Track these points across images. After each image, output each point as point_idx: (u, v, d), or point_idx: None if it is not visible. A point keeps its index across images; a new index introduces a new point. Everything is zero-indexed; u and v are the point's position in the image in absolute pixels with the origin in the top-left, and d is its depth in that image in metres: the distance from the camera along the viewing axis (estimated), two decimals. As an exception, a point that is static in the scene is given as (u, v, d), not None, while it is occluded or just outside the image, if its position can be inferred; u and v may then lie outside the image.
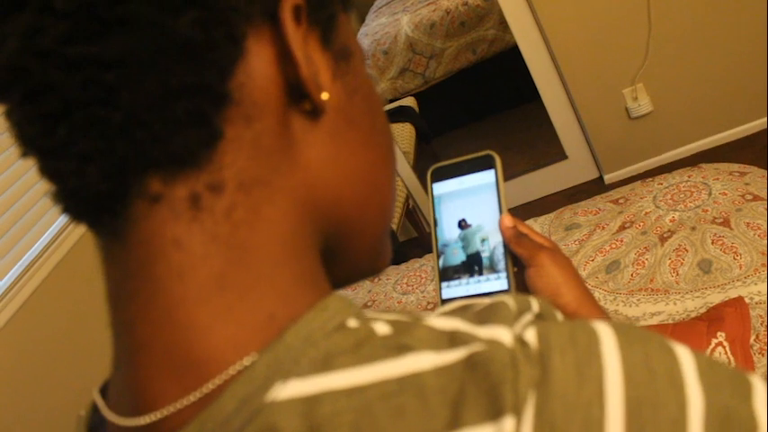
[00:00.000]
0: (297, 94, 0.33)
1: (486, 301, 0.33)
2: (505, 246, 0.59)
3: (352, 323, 0.30)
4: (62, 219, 1.85)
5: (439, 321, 0.30)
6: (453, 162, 0.63)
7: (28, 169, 1.76)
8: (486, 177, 0.61)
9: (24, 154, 0.31)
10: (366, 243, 0.41)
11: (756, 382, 0.30)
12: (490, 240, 0.60)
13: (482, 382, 0.27)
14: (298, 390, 0.27)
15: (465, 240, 0.61)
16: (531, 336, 0.29)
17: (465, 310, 0.33)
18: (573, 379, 0.27)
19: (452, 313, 0.33)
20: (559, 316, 0.35)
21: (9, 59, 0.28)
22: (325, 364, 0.28)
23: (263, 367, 0.28)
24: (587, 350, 0.28)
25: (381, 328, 0.30)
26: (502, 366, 0.27)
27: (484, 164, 0.61)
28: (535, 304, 0.33)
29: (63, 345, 1.71)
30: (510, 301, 0.32)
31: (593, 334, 0.29)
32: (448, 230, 0.62)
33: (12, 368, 1.56)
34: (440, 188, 0.63)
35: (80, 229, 1.85)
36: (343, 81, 0.35)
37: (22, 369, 1.59)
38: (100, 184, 0.30)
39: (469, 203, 0.61)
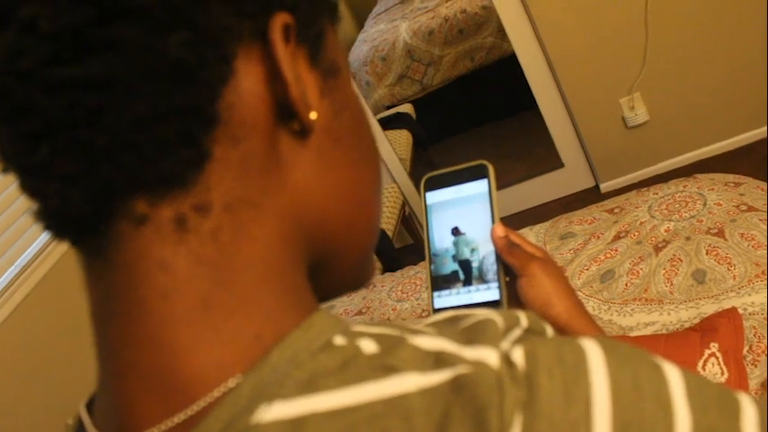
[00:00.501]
0: (285, 113, 0.32)
1: (475, 314, 0.33)
2: (497, 255, 0.59)
3: (339, 341, 0.30)
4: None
5: (425, 341, 0.30)
6: (447, 171, 0.63)
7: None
8: (480, 187, 0.61)
9: (4, 170, 0.31)
10: (352, 259, 0.41)
11: (745, 401, 0.30)
12: (480, 250, 0.60)
13: (468, 405, 0.27)
14: (282, 412, 0.27)
15: (456, 250, 0.61)
16: (518, 355, 0.29)
17: (453, 323, 0.33)
18: (560, 399, 0.27)
19: (440, 325, 0.33)
20: (549, 330, 0.35)
21: None
22: (311, 385, 0.28)
23: (247, 389, 0.28)
24: (575, 369, 0.28)
25: (368, 347, 0.30)
26: (488, 389, 0.27)
27: (477, 173, 0.61)
28: (524, 319, 0.33)
29: (57, 347, 1.70)
30: (497, 317, 0.32)
31: (581, 353, 0.29)
32: (440, 240, 0.62)
33: (6, 370, 1.56)
34: (433, 197, 0.63)
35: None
36: (331, 99, 0.35)
37: (17, 371, 1.58)
38: (83, 206, 0.29)
39: (462, 213, 0.61)
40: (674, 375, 0.29)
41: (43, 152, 0.28)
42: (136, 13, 0.27)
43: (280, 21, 0.31)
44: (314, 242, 0.36)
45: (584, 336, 0.55)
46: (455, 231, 0.61)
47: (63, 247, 1.81)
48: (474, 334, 0.31)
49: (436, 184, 0.63)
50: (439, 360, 0.29)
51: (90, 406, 0.36)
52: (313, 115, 0.33)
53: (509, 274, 0.59)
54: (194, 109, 0.29)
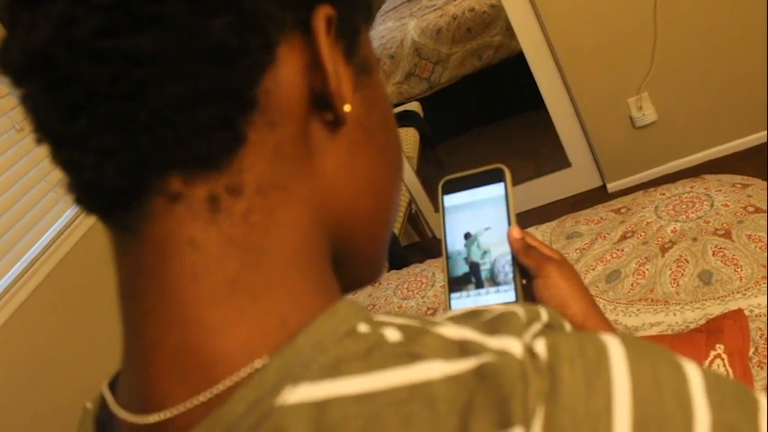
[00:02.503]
0: (320, 103, 0.33)
1: (497, 309, 0.33)
2: (514, 257, 0.59)
3: (363, 328, 0.30)
4: (64, 218, 1.86)
5: (449, 330, 0.30)
6: (464, 175, 0.64)
7: (31, 168, 1.76)
8: (497, 190, 0.62)
9: (39, 141, 0.31)
10: (369, 253, 0.41)
11: (762, 399, 0.30)
12: (494, 252, 0.60)
13: (492, 394, 0.27)
14: (308, 394, 0.27)
15: (472, 252, 0.61)
16: (540, 347, 0.29)
17: (475, 316, 0.33)
18: (582, 391, 0.27)
19: (461, 319, 0.33)
20: (568, 326, 0.35)
21: (38, 46, 0.28)
22: (336, 369, 0.28)
23: (273, 371, 0.28)
24: (596, 362, 0.28)
25: (392, 335, 0.30)
26: (512, 379, 0.27)
27: (494, 177, 0.62)
28: (544, 314, 0.33)
29: (64, 342, 1.71)
30: (519, 310, 0.32)
31: (602, 346, 0.29)
32: (456, 242, 0.63)
33: (13, 365, 1.57)
34: (451, 200, 0.64)
35: (82, 228, 1.86)
36: (363, 94, 0.36)
37: (23, 366, 1.59)
38: (116, 180, 0.30)
39: (479, 216, 0.62)
40: (693, 372, 0.30)
41: (82, 123, 0.29)
42: None
43: (323, 13, 0.32)
44: (337, 232, 0.36)
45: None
46: (467, 236, 0.62)
47: (70, 244, 1.81)
48: (497, 324, 0.31)
49: (454, 188, 0.64)
50: (463, 348, 0.29)
51: (112, 385, 0.36)
52: (347, 108, 0.34)
53: (525, 276, 0.60)
54: (234, 92, 0.29)
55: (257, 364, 0.29)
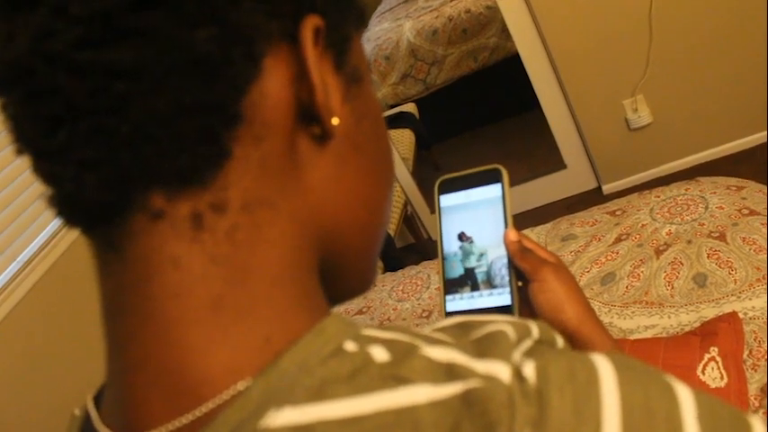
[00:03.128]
0: (307, 116, 0.32)
1: (487, 322, 0.33)
2: (510, 260, 0.59)
3: (350, 346, 0.30)
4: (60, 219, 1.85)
5: (436, 351, 0.29)
6: (460, 175, 0.63)
7: (26, 168, 1.76)
8: (493, 191, 0.61)
9: (19, 152, 0.31)
10: (359, 265, 0.41)
11: (756, 424, 0.29)
12: (490, 254, 0.60)
13: (478, 420, 0.26)
14: (292, 418, 0.27)
15: (468, 254, 0.61)
16: (529, 370, 0.28)
17: (464, 331, 0.33)
18: (570, 418, 0.27)
19: (449, 331, 0.33)
20: (560, 340, 0.35)
21: (16, 58, 0.27)
22: (321, 392, 0.27)
23: (257, 393, 0.28)
24: (586, 387, 0.28)
25: (379, 354, 0.29)
26: (498, 405, 0.27)
27: (491, 177, 0.61)
28: (535, 329, 0.33)
29: (59, 343, 1.71)
30: (509, 328, 0.32)
31: (593, 370, 0.29)
32: (452, 243, 0.62)
33: (8, 366, 1.56)
34: (447, 200, 0.63)
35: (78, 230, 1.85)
36: (353, 105, 0.35)
37: (18, 367, 1.59)
38: (98, 194, 0.29)
39: (475, 216, 0.61)
40: (686, 397, 0.29)
41: (61, 137, 0.28)
42: (168, 3, 0.27)
43: (311, 23, 0.31)
44: (325, 246, 0.36)
45: (595, 346, 0.55)
46: (461, 237, 0.61)
47: (66, 243, 1.81)
48: (486, 346, 0.30)
49: (450, 188, 0.63)
50: (450, 372, 0.28)
51: (97, 399, 0.36)
52: (335, 121, 0.33)
53: (521, 278, 0.59)
54: (218, 106, 0.29)
55: (240, 386, 0.28)
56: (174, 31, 0.27)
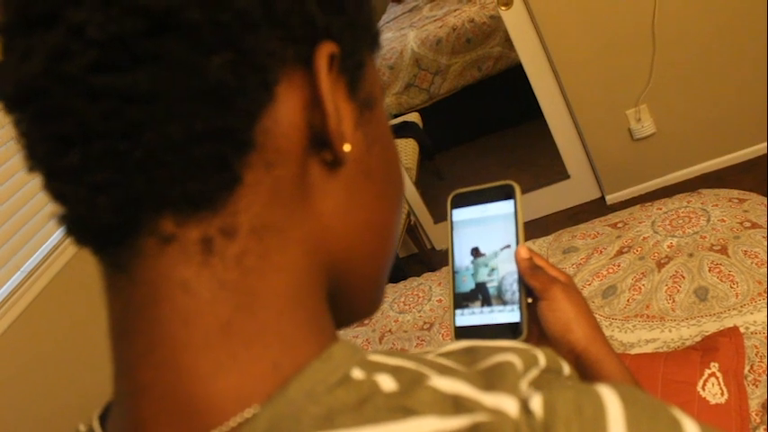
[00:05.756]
0: (319, 142, 0.32)
1: (494, 349, 0.33)
2: (520, 277, 0.59)
3: (357, 374, 0.29)
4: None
5: (443, 382, 0.29)
6: (473, 189, 0.64)
7: (30, 179, 1.77)
8: (506, 207, 0.61)
9: (30, 169, 0.30)
10: (368, 290, 0.40)
11: None
12: (501, 270, 0.60)
13: None
14: None
15: (479, 269, 0.61)
16: (536, 404, 0.28)
17: (470, 356, 0.33)
18: None
19: (456, 356, 0.33)
20: (566, 367, 0.34)
21: (31, 77, 0.28)
22: (328, 421, 0.27)
23: (264, 422, 0.28)
24: (593, 423, 0.28)
25: (386, 383, 0.29)
26: None
27: (504, 193, 0.62)
28: (542, 358, 0.33)
29: (62, 353, 1.71)
30: (516, 359, 0.31)
31: (600, 405, 0.29)
32: (463, 257, 0.62)
33: (10, 375, 1.57)
34: (459, 215, 0.64)
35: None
36: (365, 131, 0.35)
37: (20, 377, 1.59)
38: (109, 216, 0.29)
39: (487, 232, 0.62)
40: (692, 431, 0.29)
41: (74, 157, 0.28)
42: (184, 29, 0.27)
43: (326, 50, 0.31)
44: (334, 271, 0.35)
45: (602, 367, 0.54)
46: (475, 252, 0.61)
47: (69, 254, 1.82)
48: (493, 378, 0.30)
49: (462, 202, 0.64)
50: (457, 404, 0.28)
51: (103, 418, 0.36)
52: (347, 147, 0.32)
53: (531, 296, 0.60)
54: (230, 132, 0.29)
55: (247, 413, 0.28)
56: (190, 57, 0.27)
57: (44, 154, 0.29)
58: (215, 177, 0.29)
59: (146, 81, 0.27)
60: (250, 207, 0.30)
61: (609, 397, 0.29)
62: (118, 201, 0.29)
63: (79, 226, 0.31)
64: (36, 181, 0.30)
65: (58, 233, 1.84)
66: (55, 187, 0.30)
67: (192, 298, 0.30)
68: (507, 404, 0.28)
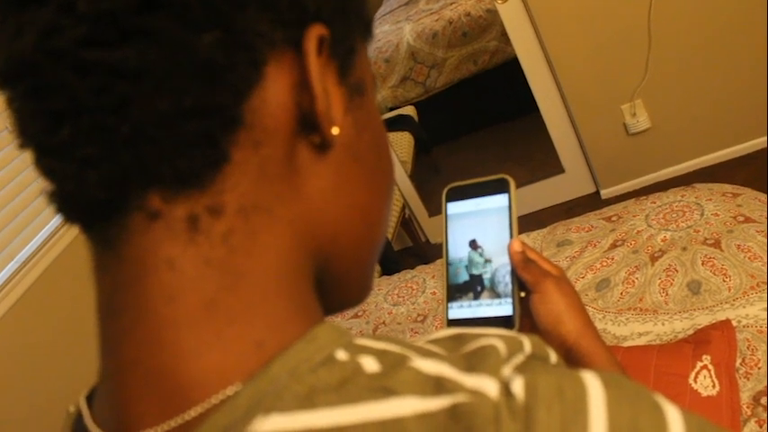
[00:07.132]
0: (308, 124, 0.32)
1: (480, 336, 0.33)
2: (513, 270, 0.59)
3: (341, 355, 0.30)
4: (58, 217, 1.85)
5: (426, 364, 0.29)
6: (468, 183, 0.64)
7: (25, 167, 1.76)
8: (500, 201, 0.62)
9: (21, 146, 0.31)
10: (355, 276, 0.41)
11: None
12: (494, 263, 0.60)
13: None
14: (279, 425, 0.27)
15: (471, 262, 0.61)
16: (518, 386, 0.28)
17: (457, 342, 0.33)
18: None
19: (443, 342, 0.33)
20: (553, 355, 0.34)
21: (22, 54, 0.28)
22: (309, 400, 0.27)
23: (245, 398, 0.28)
24: (574, 406, 0.28)
25: (369, 364, 0.29)
26: (485, 421, 0.26)
27: (499, 187, 0.62)
28: (527, 344, 0.33)
29: (57, 341, 1.71)
30: (500, 343, 0.31)
31: (582, 388, 0.29)
32: (457, 250, 0.63)
33: (5, 364, 1.57)
34: (453, 208, 0.64)
35: (76, 228, 1.86)
36: (354, 116, 0.35)
37: (16, 365, 1.59)
38: (97, 192, 0.29)
39: (481, 225, 0.62)
40: (674, 418, 0.29)
41: (64, 133, 0.28)
42: (174, 6, 0.27)
43: (315, 32, 0.31)
44: (322, 255, 0.36)
45: (593, 360, 0.55)
46: (472, 245, 0.62)
47: (63, 244, 1.81)
48: (476, 360, 0.30)
49: (457, 195, 0.64)
50: (438, 385, 0.28)
51: (90, 398, 0.36)
52: (335, 131, 0.33)
53: (523, 289, 0.60)
54: (218, 110, 0.29)
55: (230, 390, 0.29)
56: (179, 34, 0.27)
57: (35, 130, 0.30)
58: (202, 154, 0.29)
59: (135, 57, 0.27)
60: (237, 186, 0.30)
61: (591, 381, 0.29)
62: (106, 176, 0.29)
63: (68, 202, 0.31)
64: (30, 171, 0.30)
65: (53, 223, 1.83)
66: (45, 163, 0.31)
67: (178, 275, 0.30)
68: (488, 385, 0.28)
